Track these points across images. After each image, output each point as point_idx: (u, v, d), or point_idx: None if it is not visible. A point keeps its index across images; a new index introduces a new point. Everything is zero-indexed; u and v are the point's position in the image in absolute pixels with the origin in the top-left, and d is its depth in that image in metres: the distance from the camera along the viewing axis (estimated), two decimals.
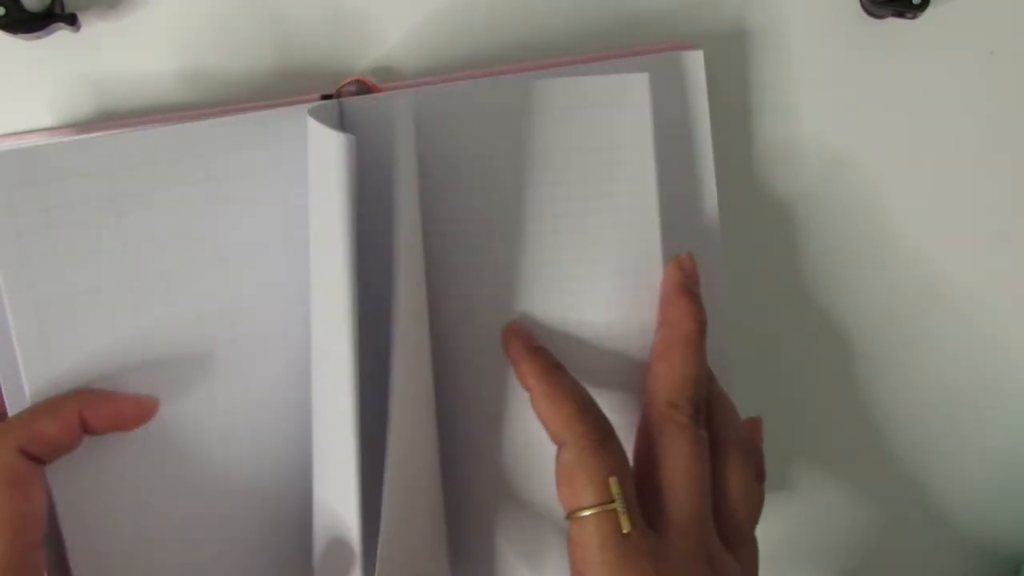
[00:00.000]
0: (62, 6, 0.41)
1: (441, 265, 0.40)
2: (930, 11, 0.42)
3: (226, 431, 0.38)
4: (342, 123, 0.40)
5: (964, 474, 0.47)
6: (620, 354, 0.38)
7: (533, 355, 0.36)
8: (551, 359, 0.36)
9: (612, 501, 0.31)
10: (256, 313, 0.38)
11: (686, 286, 0.36)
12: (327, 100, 0.41)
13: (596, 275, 0.37)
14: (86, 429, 0.33)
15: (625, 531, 0.31)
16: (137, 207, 0.35)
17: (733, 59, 0.44)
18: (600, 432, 0.33)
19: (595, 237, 0.37)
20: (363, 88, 0.42)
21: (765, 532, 0.36)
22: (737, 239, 0.44)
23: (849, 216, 0.45)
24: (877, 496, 0.47)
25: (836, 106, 0.44)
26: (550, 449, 0.35)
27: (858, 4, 0.43)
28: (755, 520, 0.36)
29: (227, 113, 0.42)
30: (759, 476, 0.37)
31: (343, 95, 0.42)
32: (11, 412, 0.34)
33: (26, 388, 0.34)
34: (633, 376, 0.38)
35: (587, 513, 0.31)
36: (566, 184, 0.37)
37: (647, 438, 0.34)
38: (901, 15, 0.42)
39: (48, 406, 0.33)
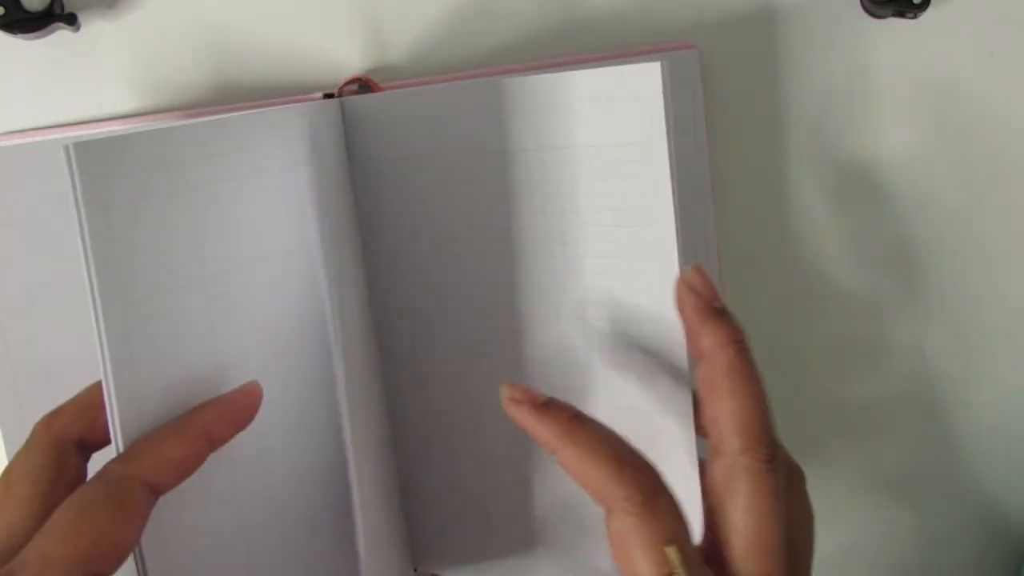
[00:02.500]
0: (62, 6, 0.41)
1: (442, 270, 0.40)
2: (930, 11, 0.42)
3: (276, 424, 0.37)
4: (343, 122, 0.40)
5: (963, 473, 0.47)
6: (654, 359, 0.36)
7: (544, 415, 0.32)
8: (566, 411, 0.32)
9: (672, 573, 0.29)
10: (305, 307, 0.38)
11: (705, 307, 0.32)
12: (329, 99, 0.41)
13: (610, 275, 0.37)
14: (211, 443, 0.32)
15: None
16: (206, 200, 0.35)
17: (733, 60, 0.44)
18: (645, 490, 0.29)
19: (608, 235, 0.37)
20: (365, 87, 0.42)
21: None
22: (734, 239, 0.44)
23: (848, 217, 0.45)
24: (875, 496, 0.47)
25: (836, 106, 0.44)
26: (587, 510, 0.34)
27: (858, 4, 0.43)
28: (814, 537, 0.34)
29: (229, 112, 0.42)
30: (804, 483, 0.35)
31: (344, 94, 0.42)
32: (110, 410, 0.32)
33: (113, 392, 0.32)
34: (677, 382, 0.36)
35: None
36: (574, 181, 0.37)
37: (719, 490, 0.31)
38: (901, 15, 0.42)
39: (172, 429, 0.32)
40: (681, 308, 0.33)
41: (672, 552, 0.29)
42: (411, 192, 0.40)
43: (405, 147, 0.40)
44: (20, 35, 0.41)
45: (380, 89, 0.42)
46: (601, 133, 0.36)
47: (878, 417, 0.46)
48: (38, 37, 0.42)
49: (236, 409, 0.33)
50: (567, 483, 0.39)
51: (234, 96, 0.43)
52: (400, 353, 0.42)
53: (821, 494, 0.47)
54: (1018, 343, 0.46)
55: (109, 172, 0.32)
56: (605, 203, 0.36)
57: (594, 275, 0.37)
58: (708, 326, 0.32)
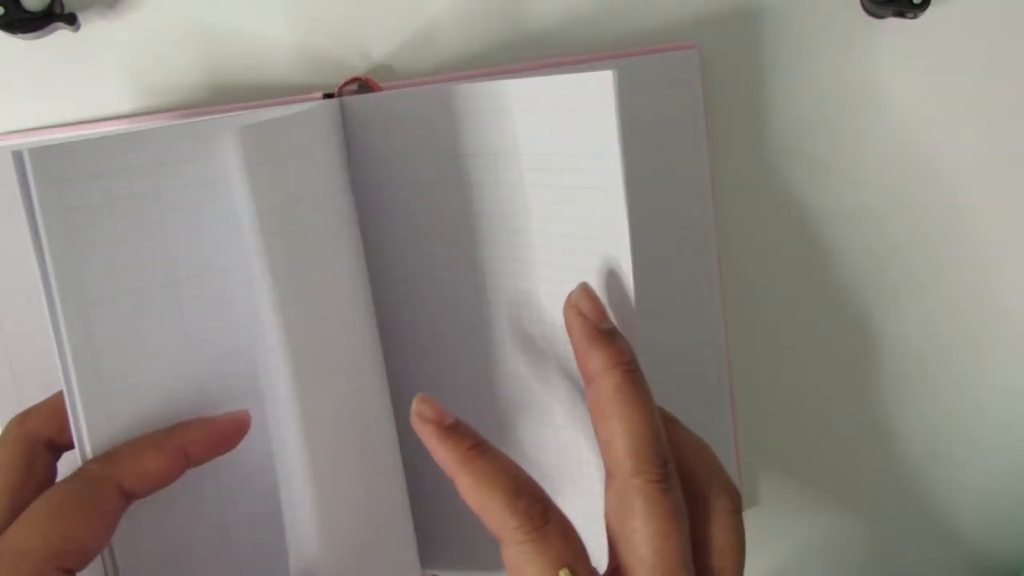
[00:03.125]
0: (62, 6, 0.41)
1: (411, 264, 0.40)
2: (930, 11, 0.42)
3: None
4: (343, 122, 0.40)
5: (963, 478, 0.47)
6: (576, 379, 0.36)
7: (447, 439, 0.32)
8: (468, 438, 0.32)
9: None
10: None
11: (592, 330, 0.32)
12: (328, 99, 0.41)
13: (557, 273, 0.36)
14: (189, 461, 0.33)
15: None
16: (180, 204, 0.34)
17: (733, 59, 0.44)
18: (536, 519, 0.30)
19: (564, 244, 0.36)
20: (365, 87, 0.42)
21: (759, 544, 0.36)
22: (735, 240, 0.44)
23: (848, 215, 0.45)
24: (874, 501, 0.47)
25: (836, 106, 0.44)
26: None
27: (858, 4, 0.43)
28: (743, 565, 0.33)
29: (230, 112, 0.42)
30: (738, 508, 0.34)
31: (344, 94, 0.42)
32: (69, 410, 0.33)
33: (77, 396, 0.32)
34: None
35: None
36: (536, 186, 0.37)
37: (615, 514, 0.31)
38: (901, 15, 0.42)
39: (152, 441, 0.32)
40: (569, 331, 0.32)
41: (565, 574, 0.29)
42: (407, 191, 0.40)
43: (401, 146, 0.40)
44: (20, 35, 0.41)
45: (380, 89, 0.42)
46: (555, 142, 0.35)
47: (863, 422, 0.46)
48: (38, 37, 0.42)
49: (220, 433, 0.34)
50: (586, 500, 0.38)
51: (233, 96, 0.43)
52: (400, 350, 0.42)
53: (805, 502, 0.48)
54: (996, 347, 0.46)
55: (66, 177, 0.32)
56: (557, 212, 0.36)
57: (541, 284, 0.37)
58: (595, 349, 0.31)
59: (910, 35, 0.44)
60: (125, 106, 0.43)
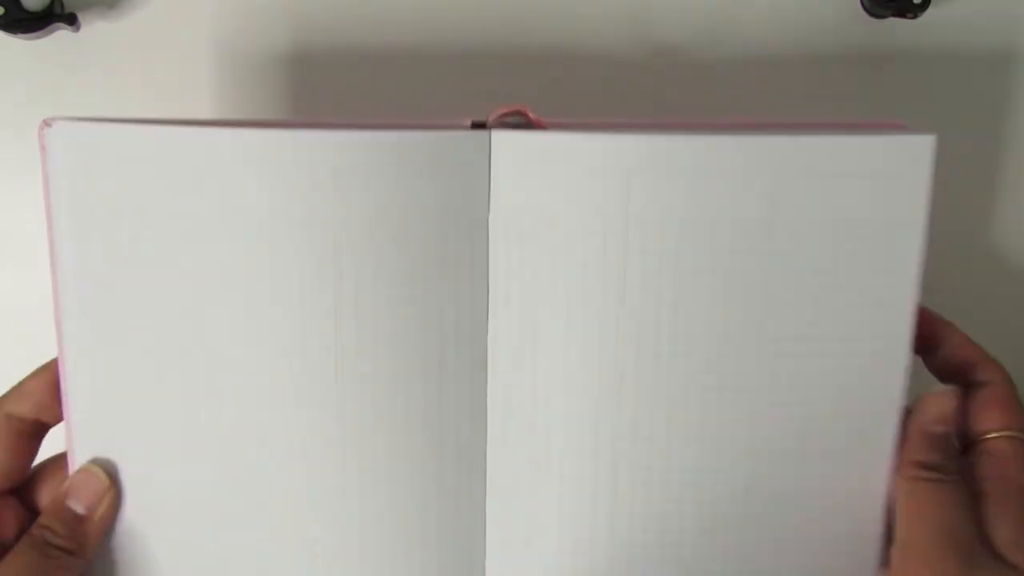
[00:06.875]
0: (62, 6, 0.41)
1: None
2: (930, 11, 0.42)
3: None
4: (490, 160, 0.34)
5: None
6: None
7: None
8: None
9: None
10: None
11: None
12: (479, 129, 0.34)
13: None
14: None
15: None
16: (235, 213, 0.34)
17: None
18: None
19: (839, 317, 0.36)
20: (524, 121, 0.35)
21: None
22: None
23: None
24: None
25: (835, 106, 0.44)
26: None
27: (858, 4, 0.43)
28: None
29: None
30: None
31: (497, 126, 0.35)
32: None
33: (69, 393, 0.36)
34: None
35: (1016, 434, 0.37)
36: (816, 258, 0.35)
37: None
38: (901, 15, 0.42)
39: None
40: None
41: None
42: (576, 248, 0.34)
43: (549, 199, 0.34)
44: (20, 35, 0.41)
45: (543, 127, 0.35)
46: (858, 207, 0.35)
47: None
48: (38, 37, 0.42)
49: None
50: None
51: (233, 98, 0.43)
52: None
53: None
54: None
55: (96, 159, 0.33)
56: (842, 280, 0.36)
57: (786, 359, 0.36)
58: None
59: (910, 35, 0.43)
60: (125, 108, 0.43)
